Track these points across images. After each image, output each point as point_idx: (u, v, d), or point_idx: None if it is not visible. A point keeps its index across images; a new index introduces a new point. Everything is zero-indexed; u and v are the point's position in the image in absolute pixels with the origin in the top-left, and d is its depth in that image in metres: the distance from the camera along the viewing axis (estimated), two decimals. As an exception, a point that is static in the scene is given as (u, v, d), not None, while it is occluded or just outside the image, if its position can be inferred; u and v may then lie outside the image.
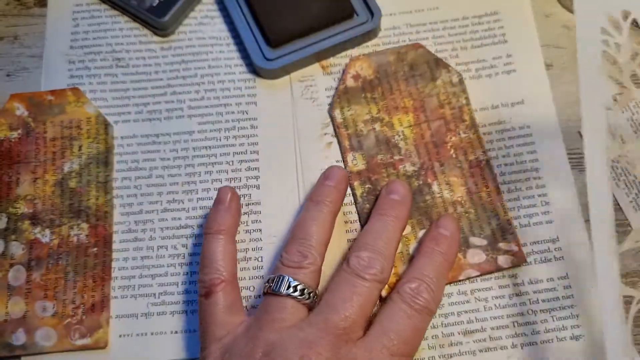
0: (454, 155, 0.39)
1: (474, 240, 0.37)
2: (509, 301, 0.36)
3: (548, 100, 0.41)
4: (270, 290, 0.32)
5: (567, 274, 0.36)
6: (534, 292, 0.36)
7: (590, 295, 0.36)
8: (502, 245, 0.36)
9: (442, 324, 0.35)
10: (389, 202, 0.36)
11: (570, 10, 0.43)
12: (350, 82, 0.40)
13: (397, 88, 0.40)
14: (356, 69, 0.40)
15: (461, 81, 0.40)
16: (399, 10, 0.44)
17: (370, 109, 0.40)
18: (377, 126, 0.39)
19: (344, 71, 0.41)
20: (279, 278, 0.32)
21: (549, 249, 0.37)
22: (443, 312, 0.36)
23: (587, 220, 0.37)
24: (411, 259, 0.36)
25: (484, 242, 0.36)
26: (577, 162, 0.39)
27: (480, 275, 0.36)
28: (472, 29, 0.43)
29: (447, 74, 0.40)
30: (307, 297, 0.31)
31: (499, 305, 0.36)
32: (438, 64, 0.41)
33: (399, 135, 0.39)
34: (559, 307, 0.36)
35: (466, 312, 0.36)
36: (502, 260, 0.36)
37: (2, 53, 0.43)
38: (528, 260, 0.36)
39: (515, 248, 0.36)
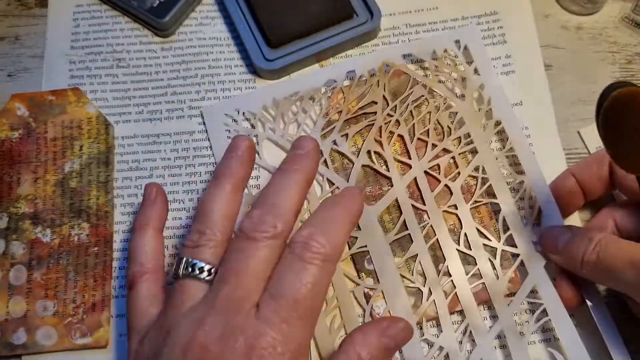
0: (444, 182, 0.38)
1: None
2: None
3: (547, 101, 0.41)
4: (172, 274, 0.31)
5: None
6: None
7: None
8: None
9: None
10: (293, 156, 0.33)
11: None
12: (334, 117, 0.39)
13: (380, 119, 0.39)
14: (338, 102, 0.39)
15: (448, 106, 0.39)
16: (399, 10, 0.44)
17: (356, 141, 0.39)
18: (364, 158, 0.39)
19: (327, 105, 0.40)
20: (178, 260, 0.31)
21: None
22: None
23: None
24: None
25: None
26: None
27: None
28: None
29: (432, 100, 0.39)
30: (207, 274, 0.30)
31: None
32: (422, 90, 0.39)
33: (386, 166, 0.39)
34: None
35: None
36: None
37: (3, 53, 0.43)
38: None
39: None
